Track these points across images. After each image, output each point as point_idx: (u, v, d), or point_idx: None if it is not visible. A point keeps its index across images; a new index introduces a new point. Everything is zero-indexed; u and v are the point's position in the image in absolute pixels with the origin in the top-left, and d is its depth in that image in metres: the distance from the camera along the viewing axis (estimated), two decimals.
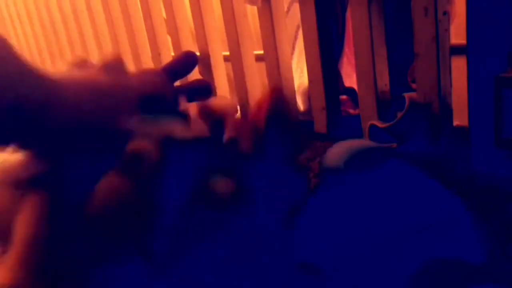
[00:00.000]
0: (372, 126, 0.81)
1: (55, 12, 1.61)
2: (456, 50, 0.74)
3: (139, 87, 0.31)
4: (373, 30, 0.79)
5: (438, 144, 0.75)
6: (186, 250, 0.27)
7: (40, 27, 1.72)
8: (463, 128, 0.74)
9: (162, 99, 0.32)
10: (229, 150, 0.29)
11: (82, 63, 0.32)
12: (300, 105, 1.05)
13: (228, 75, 1.14)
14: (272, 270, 0.29)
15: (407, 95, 0.76)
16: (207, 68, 1.11)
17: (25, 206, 0.26)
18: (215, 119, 0.30)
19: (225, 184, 0.27)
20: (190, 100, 0.34)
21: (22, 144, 0.26)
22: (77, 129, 0.27)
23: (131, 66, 1.35)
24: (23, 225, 0.25)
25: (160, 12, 1.23)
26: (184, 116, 0.31)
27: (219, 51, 1.12)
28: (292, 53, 1.05)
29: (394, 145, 0.77)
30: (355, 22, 0.80)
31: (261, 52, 1.00)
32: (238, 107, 1.08)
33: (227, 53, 1.07)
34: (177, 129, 0.28)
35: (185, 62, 0.39)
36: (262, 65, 1.01)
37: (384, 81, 0.84)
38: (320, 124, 0.92)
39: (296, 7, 0.99)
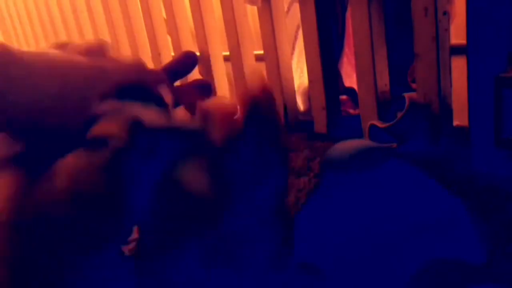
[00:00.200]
0: (372, 126, 0.81)
1: (55, 12, 1.61)
2: (456, 50, 0.74)
3: (118, 74, 0.30)
4: (373, 30, 0.79)
5: (438, 144, 0.75)
6: (158, 250, 0.26)
7: (40, 27, 1.72)
8: (463, 128, 0.74)
9: (142, 89, 0.31)
10: (206, 142, 0.27)
11: (63, 46, 0.32)
12: (300, 105, 1.05)
13: (228, 75, 1.14)
14: (257, 273, 0.28)
15: (407, 95, 0.76)
16: (207, 68, 1.11)
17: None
18: (194, 107, 0.29)
19: (198, 178, 0.26)
20: (190, 100, 0.34)
21: None
22: (46, 109, 0.26)
23: None
24: None
25: (160, 12, 1.23)
26: (163, 105, 0.30)
27: (219, 51, 1.12)
28: (292, 53, 1.05)
29: (394, 145, 0.77)
30: (355, 22, 0.80)
31: (261, 52, 1.00)
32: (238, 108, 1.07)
33: (227, 53, 1.07)
34: (150, 117, 0.27)
35: (185, 62, 0.39)
36: (262, 65, 1.01)
37: (384, 81, 0.84)
38: (320, 124, 0.92)
39: (296, 7, 0.99)
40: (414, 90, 0.78)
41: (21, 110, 0.25)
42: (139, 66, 0.33)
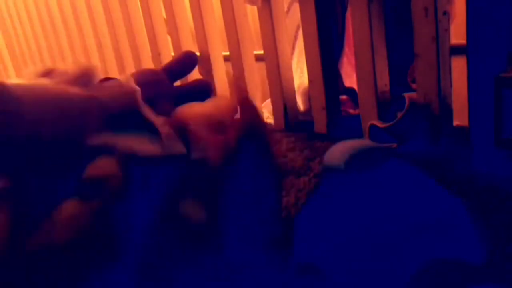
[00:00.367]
0: (372, 126, 0.81)
1: (55, 12, 1.61)
2: (456, 50, 0.74)
3: (107, 102, 0.30)
4: (373, 30, 0.79)
5: (438, 144, 0.75)
6: (156, 282, 0.26)
7: (40, 27, 1.72)
8: (463, 128, 0.74)
9: (132, 114, 0.30)
10: (200, 169, 0.27)
11: (48, 72, 0.31)
12: (300, 105, 1.05)
13: (228, 75, 1.14)
14: None
15: (407, 95, 0.76)
16: (207, 68, 1.11)
17: None
18: (185, 133, 0.29)
19: (195, 209, 0.25)
20: (190, 100, 0.34)
21: None
22: (38, 143, 0.25)
23: (131, 66, 1.35)
24: None
25: (160, 12, 1.23)
26: (155, 132, 0.30)
27: (219, 51, 1.12)
28: (292, 53, 1.05)
29: (394, 145, 0.77)
30: (355, 22, 0.80)
31: (261, 52, 1.00)
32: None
33: (227, 53, 1.07)
34: (144, 147, 0.27)
35: (185, 62, 0.39)
36: (262, 65, 1.01)
37: (384, 81, 0.84)
38: (320, 124, 0.92)
39: (296, 7, 0.99)
40: (414, 90, 0.78)
41: (14, 144, 0.25)
42: (130, 93, 0.32)
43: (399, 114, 0.76)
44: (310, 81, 0.92)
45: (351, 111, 1.02)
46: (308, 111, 0.99)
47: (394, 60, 0.84)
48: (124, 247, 0.24)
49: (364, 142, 0.75)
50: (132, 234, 0.24)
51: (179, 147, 0.28)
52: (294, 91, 1.01)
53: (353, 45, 0.83)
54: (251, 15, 1.07)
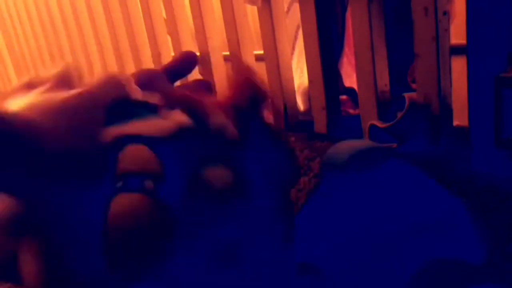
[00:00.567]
0: (372, 126, 0.81)
1: (55, 12, 1.61)
2: (456, 50, 0.74)
3: (100, 95, 0.30)
4: (373, 30, 0.79)
5: (438, 144, 0.75)
6: (187, 247, 0.26)
7: (40, 27, 1.72)
8: (463, 128, 0.74)
9: (127, 100, 0.30)
10: (217, 138, 0.28)
11: (31, 83, 0.31)
12: (300, 105, 1.05)
13: (228, 75, 1.14)
14: (272, 269, 0.28)
15: (407, 95, 0.76)
16: (207, 68, 1.11)
17: (24, 256, 0.25)
18: (191, 107, 0.29)
19: (221, 174, 0.26)
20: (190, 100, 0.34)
21: None
22: (55, 156, 0.25)
23: (131, 66, 1.35)
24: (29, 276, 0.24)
25: (160, 12, 1.23)
26: (154, 110, 0.30)
27: (219, 51, 1.12)
28: (292, 53, 1.05)
29: (394, 145, 0.77)
30: (355, 22, 0.80)
31: (261, 52, 1.00)
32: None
33: (227, 53, 1.07)
34: (156, 127, 0.27)
35: (185, 62, 0.39)
36: (262, 65, 1.01)
37: (384, 81, 0.84)
38: (320, 124, 0.92)
39: (296, 7, 0.99)
40: (414, 90, 0.78)
41: (31, 164, 0.25)
42: (119, 83, 0.32)
43: (399, 114, 0.76)
44: (310, 81, 0.92)
45: (351, 111, 1.02)
46: (308, 111, 0.99)
47: (394, 60, 0.84)
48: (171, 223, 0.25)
49: (364, 142, 0.75)
50: (170, 207, 0.25)
51: (182, 117, 0.28)
52: (294, 91, 1.01)
53: (353, 45, 0.83)
54: (251, 15, 1.07)
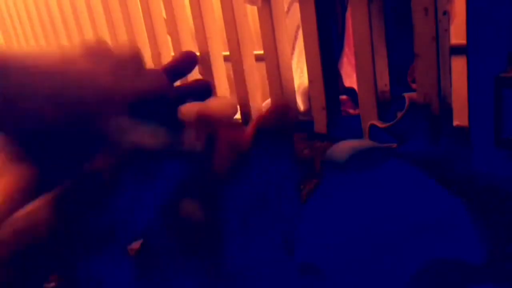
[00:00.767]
0: (372, 126, 0.81)
1: (55, 12, 1.61)
2: (456, 50, 0.74)
3: (137, 87, 0.29)
4: (373, 30, 0.79)
5: (438, 144, 0.75)
6: (158, 266, 0.25)
7: (40, 27, 1.72)
8: (463, 128, 0.74)
9: (162, 103, 0.29)
10: (208, 168, 0.26)
11: (95, 49, 0.30)
12: (300, 105, 1.05)
13: (228, 75, 1.14)
14: None
15: (407, 95, 0.76)
16: (207, 68, 1.11)
17: (5, 177, 0.25)
18: (208, 129, 0.28)
19: (195, 210, 0.25)
20: (190, 100, 0.33)
21: None
22: (56, 116, 0.24)
23: None
24: None
25: (160, 12, 1.23)
26: (178, 125, 0.29)
27: (219, 51, 1.12)
28: (292, 53, 1.05)
29: (394, 145, 0.77)
30: (355, 22, 0.80)
31: (261, 52, 1.00)
32: (238, 107, 1.07)
33: (227, 53, 1.07)
34: (155, 140, 0.26)
35: (185, 62, 0.38)
36: (262, 65, 1.01)
37: (384, 81, 0.84)
38: (320, 124, 0.92)
39: (296, 7, 0.99)
40: (414, 90, 0.78)
41: (29, 116, 0.24)
42: (161, 82, 0.31)
43: (399, 114, 0.76)
44: (310, 81, 0.92)
45: (351, 111, 1.02)
46: (308, 111, 0.99)
47: (394, 60, 0.84)
48: (124, 238, 0.24)
49: (364, 142, 0.75)
50: (133, 227, 0.24)
51: (195, 142, 0.27)
52: (294, 91, 1.01)
53: (353, 45, 0.83)
54: (251, 15, 1.07)
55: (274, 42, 0.96)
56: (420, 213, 0.57)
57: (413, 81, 0.81)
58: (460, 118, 0.75)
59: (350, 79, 0.99)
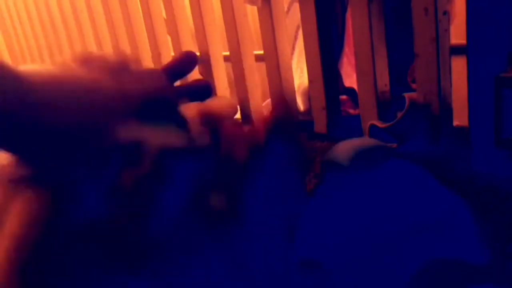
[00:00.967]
0: (372, 126, 0.81)
1: (55, 12, 1.61)
2: (456, 50, 0.74)
3: (138, 91, 0.28)
4: (373, 30, 0.79)
5: (438, 144, 0.75)
6: (180, 267, 0.26)
7: (40, 27, 1.72)
8: (463, 128, 0.74)
9: (164, 102, 0.30)
10: (226, 161, 0.27)
11: (86, 60, 0.30)
12: (300, 105, 1.05)
13: (228, 75, 1.14)
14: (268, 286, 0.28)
15: (407, 95, 0.76)
16: (207, 68, 1.11)
17: (17, 203, 0.25)
18: (214, 126, 0.29)
19: (218, 199, 0.26)
20: (190, 100, 0.34)
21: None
22: (59, 134, 0.25)
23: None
24: (13, 223, 0.24)
25: (160, 12, 1.23)
26: (184, 123, 0.29)
27: (219, 51, 1.12)
28: (292, 53, 1.05)
29: (394, 145, 0.77)
30: (355, 22, 0.80)
31: (261, 52, 1.00)
32: (238, 107, 1.07)
33: (227, 53, 1.07)
34: (172, 139, 0.27)
35: (185, 62, 0.39)
36: (262, 65, 1.01)
37: (384, 81, 0.84)
38: (320, 124, 0.92)
39: (296, 7, 0.99)
40: (414, 90, 0.78)
41: (36, 131, 0.24)
42: (160, 78, 0.31)
43: (399, 114, 0.76)
44: (310, 81, 0.92)
45: (351, 111, 1.02)
46: (308, 111, 0.99)
47: (394, 60, 0.84)
48: (154, 239, 0.25)
49: (365, 141, 0.75)
50: (162, 223, 0.25)
51: (206, 139, 0.28)
52: (294, 91, 1.01)
53: (353, 45, 0.83)
54: (251, 15, 1.07)
55: (274, 42, 0.96)
56: (420, 213, 0.57)
57: (413, 81, 0.81)
58: (460, 118, 0.75)
59: (350, 79, 0.99)
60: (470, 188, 0.64)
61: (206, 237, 0.26)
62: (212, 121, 0.29)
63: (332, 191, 0.66)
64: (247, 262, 0.26)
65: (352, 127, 0.89)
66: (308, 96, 0.96)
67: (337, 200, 0.63)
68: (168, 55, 1.24)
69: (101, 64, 0.29)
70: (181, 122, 0.29)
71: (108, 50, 1.45)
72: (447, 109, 0.75)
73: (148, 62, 1.31)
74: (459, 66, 0.74)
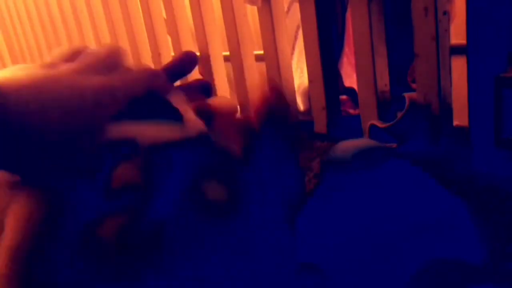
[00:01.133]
0: (372, 126, 0.81)
1: (55, 12, 1.61)
2: (456, 50, 0.74)
3: (127, 88, 0.28)
4: (373, 30, 0.79)
5: (438, 144, 0.75)
6: (182, 257, 0.26)
7: (40, 27, 1.72)
8: (463, 128, 0.74)
9: (156, 97, 0.30)
10: (222, 151, 0.27)
11: (74, 55, 0.30)
12: (300, 105, 1.05)
13: (228, 75, 1.14)
14: (272, 275, 0.28)
15: (407, 95, 0.76)
16: (207, 68, 1.11)
17: (16, 206, 0.25)
18: (210, 117, 0.29)
19: (217, 190, 0.26)
20: (189, 100, 0.34)
21: None
22: (46, 140, 0.24)
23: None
24: (12, 227, 0.24)
25: (160, 12, 1.23)
26: (178, 117, 0.29)
27: (219, 51, 1.12)
28: (292, 53, 1.05)
29: (394, 145, 0.77)
30: (355, 22, 0.80)
31: (261, 52, 1.00)
32: (238, 107, 1.07)
33: (227, 53, 1.07)
34: (165, 134, 0.27)
35: (185, 62, 0.38)
36: (262, 65, 1.01)
37: (384, 81, 0.84)
38: (320, 124, 0.92)
39: (296, 7, 0.99)
40: (414, 90, 0.78)
41: (25, 141, 0.23)
42: (150, 75, 0.31)
43: (399, 114, 0.76)
44: (310, 81, 0.92)
45: (351, 111, 1.02)
46: (308, 111, 0.99)
47: (394, 60, 0.84)
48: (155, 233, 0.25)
49: (367, 141, 0.75)
50: (161, 218, 0.25)
51: (201, 129, 0.28)
52: (294, 91, 1.01)
53: (353, 45, 0.83)
54: (251, 15, 1.07)
55: (274, 42, 0.96)
56: (420, 213, 0.57)
57: (413, 81, 0.81)
58: (460, 118, 0.75)
59: (350, 79, 0.99)
60: (470, 188, 0.64)
61: (206, 228, 0.26)
62: (208, 113, 0.29)
63: (332, 191, 0.66)
64: (248, 251, 0.26)
65: (352, 127, 0.89)
66: (308, 96, 0.96)
67: (337, 200, 0.63)
68: (168, 55, 1.24)
69: (89, 58, 0.29)
70: (175, 117, 0.29)
71: None
72: (447, 109, 0.75)
73: (148, 62, 1.31)
74: (459, 66, 0.74)
